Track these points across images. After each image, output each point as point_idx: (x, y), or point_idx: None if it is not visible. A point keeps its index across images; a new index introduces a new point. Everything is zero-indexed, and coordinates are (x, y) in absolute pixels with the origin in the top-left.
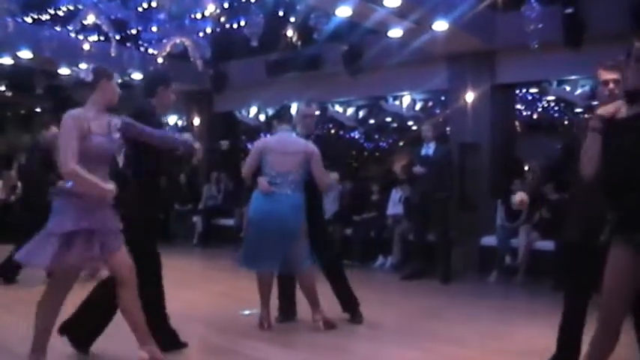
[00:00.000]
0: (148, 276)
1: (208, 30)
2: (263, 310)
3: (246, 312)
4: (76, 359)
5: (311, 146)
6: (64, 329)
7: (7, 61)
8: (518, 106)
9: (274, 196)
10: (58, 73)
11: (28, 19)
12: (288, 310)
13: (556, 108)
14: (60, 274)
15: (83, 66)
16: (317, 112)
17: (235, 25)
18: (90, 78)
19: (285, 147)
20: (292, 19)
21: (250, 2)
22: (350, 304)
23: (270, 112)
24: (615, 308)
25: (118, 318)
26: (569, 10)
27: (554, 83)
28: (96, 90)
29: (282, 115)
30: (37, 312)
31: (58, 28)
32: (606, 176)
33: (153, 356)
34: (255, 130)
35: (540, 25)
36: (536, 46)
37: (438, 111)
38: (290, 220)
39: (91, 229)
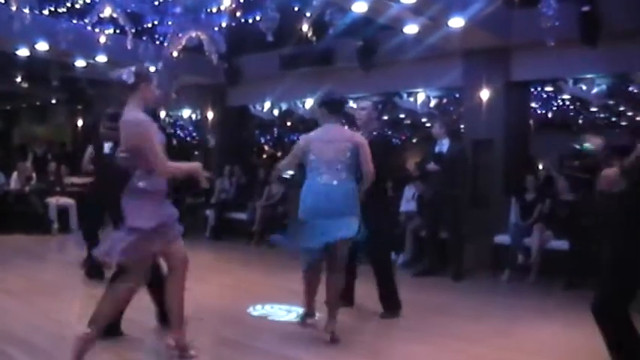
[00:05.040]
0: None
1: (224, 24)
2: (306, 309)
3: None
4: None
5: (358, 136)
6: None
7: (24, 52)
8: (533, 105)
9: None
10: (73, 65)
11: (45, 12)
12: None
13: (571, 107)
14: (136, 266)
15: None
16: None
17: (250, 20)
18: (131, 80)
19: (328, 136)
20: (307, 14)
21: None
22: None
23: (284, 106)
24: None
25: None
26: (585, 8)
27: (570, 81)
28: (135, 92)
29: (330, 106)
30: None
31: (74, 21)
32: None
33: (178, 344)
34: (268, 125)
35: (556, 22)
36: (552, 43)
37: (452, 108)
38: (341, 210)
39: (164, 223)
